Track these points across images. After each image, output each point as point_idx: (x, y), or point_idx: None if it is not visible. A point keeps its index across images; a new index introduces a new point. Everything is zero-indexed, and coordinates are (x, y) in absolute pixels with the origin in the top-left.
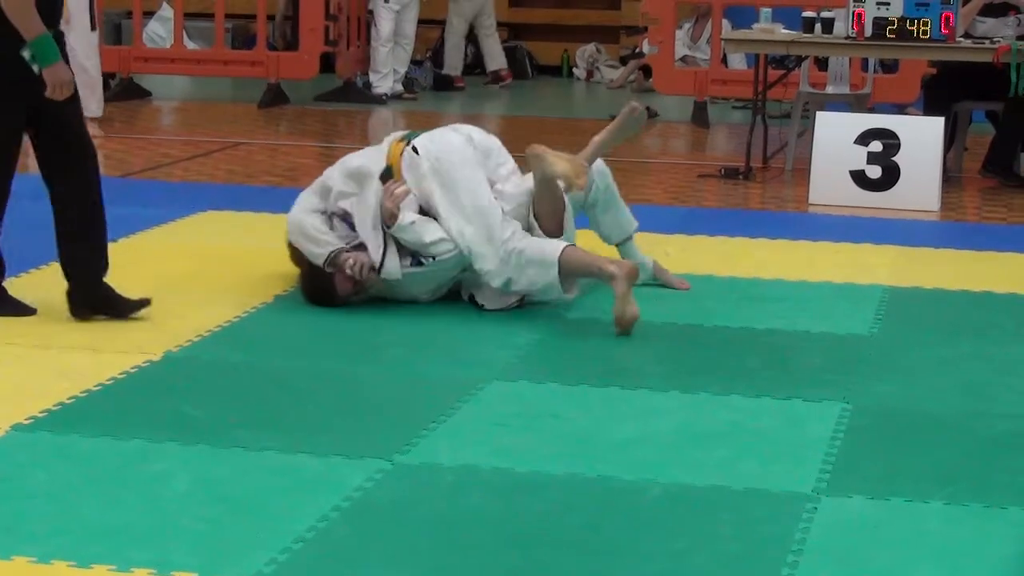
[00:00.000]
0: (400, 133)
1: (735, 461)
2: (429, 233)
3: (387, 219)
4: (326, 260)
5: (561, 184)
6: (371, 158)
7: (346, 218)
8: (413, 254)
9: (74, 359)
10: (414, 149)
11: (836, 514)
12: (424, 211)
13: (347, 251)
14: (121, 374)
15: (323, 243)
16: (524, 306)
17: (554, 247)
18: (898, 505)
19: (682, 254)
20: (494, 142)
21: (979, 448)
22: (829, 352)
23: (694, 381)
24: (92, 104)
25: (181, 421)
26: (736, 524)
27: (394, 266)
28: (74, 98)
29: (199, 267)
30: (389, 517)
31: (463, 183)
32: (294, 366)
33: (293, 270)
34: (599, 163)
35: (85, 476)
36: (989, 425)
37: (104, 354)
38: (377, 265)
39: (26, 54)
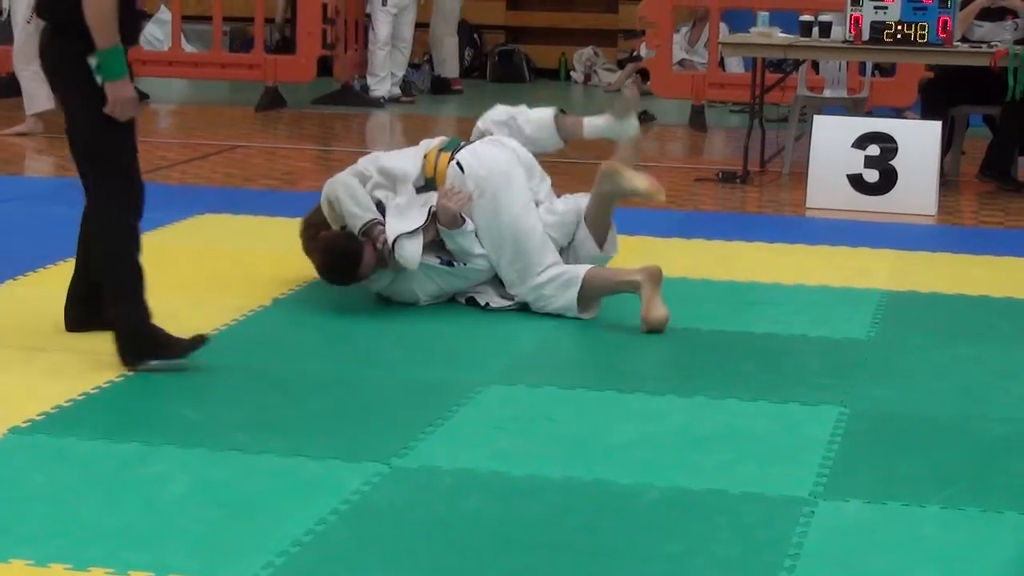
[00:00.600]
0: (437, 141)
1: (732, 465)
2: (479, 245)
3: (448, 222)
4: (364, 225)
5: (643, 196)
6: (406, 159)
7: (379, 207)
8: (442, 252)
9: (72, 362)
10: (459, 165)
11: (833, 518)
12: None
13: (382, 226)
14: (119, 377)
15: (367, 208)
16: (523, 307)
17: (578, 272)
18: (895, 509)
19: (679, 258)
20: (533, 157)
21: (976, 452)
22: (826, 356)
23: (691, 385)
24: (43, 97)
25: (179, 424)
26: (733, 528)
27: (413, 252)
28: (117, 121)
29: (196, 270)
30: (387, 520)
31: (507, 207)
32: (292, 369)
33: (291, 274)
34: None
35: (83, 479)
36: (986, 429)
37: (102, 357)
38: (391, 242)
39: (92, 62)
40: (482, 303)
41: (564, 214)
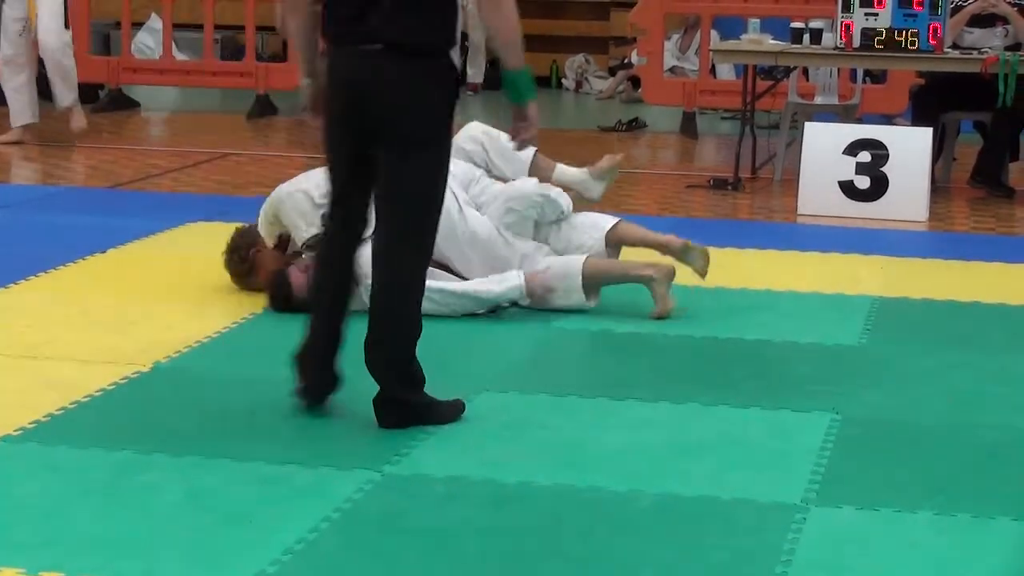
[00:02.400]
0: None
1: (724, 471)
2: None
3: None
4: (310, 239)
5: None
6: None
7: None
8: None
9: (63, 370)
10: None
11: (825, 524)
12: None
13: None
14: (110, 385)
15: (311, 223)
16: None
17: (576, 261)
18: (887, 515)
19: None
20: (467, 168)
21: (968, 458)
22: (818, 362)
23: (683, 392)
24: (67, 92)
25: (170, 432)
26: (725, 534)
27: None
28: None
29: (188, 278)
30: (379, 528)
31: (457, 236)
32: (283, 377)
33: None
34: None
35: (75, 487)
36: (978, 435)
37: (93, 365)
38: None
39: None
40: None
41: (518, 198)
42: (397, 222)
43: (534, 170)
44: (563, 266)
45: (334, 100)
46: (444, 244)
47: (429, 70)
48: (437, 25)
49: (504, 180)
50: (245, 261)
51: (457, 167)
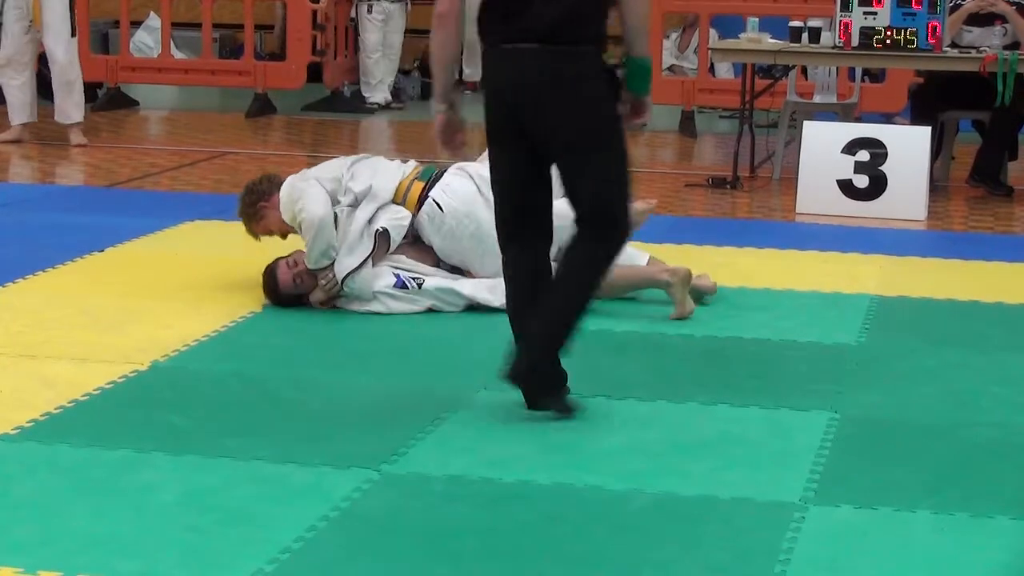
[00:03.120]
0: (411, 168)
1: (722, 470)
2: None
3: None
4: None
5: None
6: (385, 177)
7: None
8: (398, 267)
9: (61, 369)
10: (437, 204)
11: (824, 523)
12: (443, 262)
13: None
14: (108, 384)
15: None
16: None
17: None
18: (885, 514)
19: (670, 264)
20: None
21: (966, 457)
22: (816, 361)
23: (682, 390)
24: (73, 109)
25: (168, 431)
26: (723, 533)
27: (363, 286)
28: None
29: (186, 276)
30: (377, 527)
31: (484, 249)
32: (282, 375)
33: None
34: None
35: (72, 486)
36: (976, 434)
37: (91, 364)
38: (340, 280)
39: (620, 72)
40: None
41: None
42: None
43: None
44: None
45: (498, 106)
46: (471, 252)
47: (593, 64)
48: (594, 18)
49: None
50: (252, 207)
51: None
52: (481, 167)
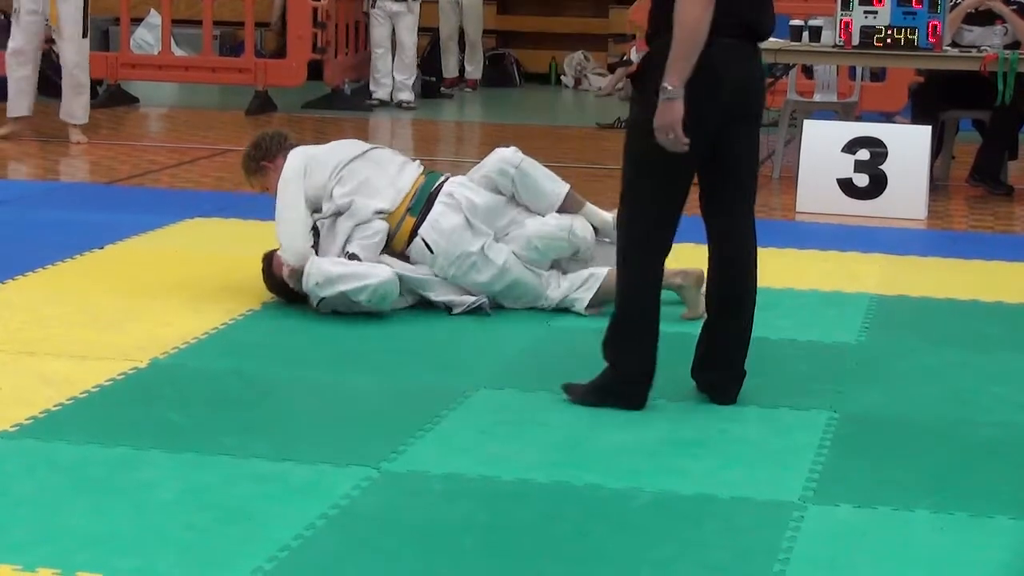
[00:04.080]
0: (410, 179)
1: (722, 469)
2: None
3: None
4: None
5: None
6: (366, 193)
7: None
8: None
9: (60, 366)
10: (425, 244)
11: (823, 522)
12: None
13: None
14: (108, 381)
15: (297, 236)
16: (494, 309)
17: (602, 269)
18: (885, 513)
19: (670, 263)
20: (493, 200)
21: (966, 456)
22: (816, 360)
23: (681, 389)
24: (79, 110)
25: (167, 428)
26: (723, 532)
27: (337, 303)
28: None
29: (186, 274)
30: (376, 525)
31: (482, 280)
32: (281, 373)
33: None
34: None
35: (71, 484)
36: (976, 433)
37: (90, 361)
38: (315, 304)
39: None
40: (448, 308)
41: (548, 237)
42: (749, 202)
43: (564, 206)
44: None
45: (717, 98)
46: (467, 281)
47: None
48: None
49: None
50: (255, 162)
51: (480, 198)
52: (472, 192)
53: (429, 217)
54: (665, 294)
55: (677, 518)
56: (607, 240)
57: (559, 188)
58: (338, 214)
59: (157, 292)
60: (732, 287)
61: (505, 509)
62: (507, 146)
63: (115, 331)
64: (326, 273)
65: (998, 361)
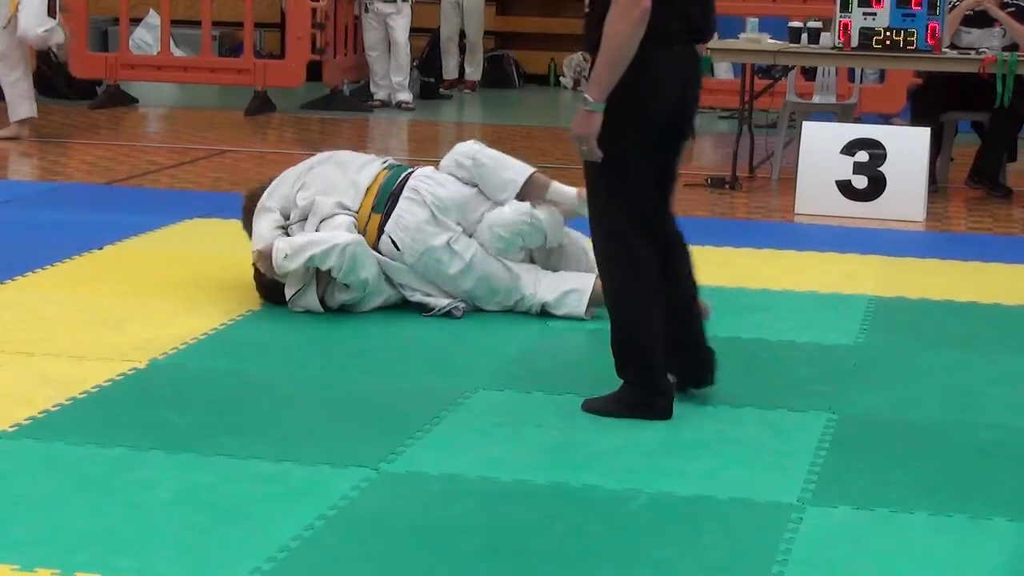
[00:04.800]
0: (372, 175)
1: (720, 470)
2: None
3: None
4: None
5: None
6: (329, 191)
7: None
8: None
9: (59, 366)
10: (392, 242)
11: (821, 524)
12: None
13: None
14: (106, 381)
15: (263, 235)
16: (469, 308)
17: (588, 275)
18: (883, 515)
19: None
20: (460, 191)
21: (964, 458)
22: (814, 362)
23: (679, 390)
24: (26, 106)
25: (166, 429)
26: (721, 533)
27: (310, 301)
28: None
29: (185, 274)
30: (375, 526)
31: (451, 274)
32: (280, 374)
33: None
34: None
35: (70, 484)
36: (974, 435)
37: (89, 361)
38: (288, 297)
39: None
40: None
41: (502, 225)
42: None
43: (527, 191)
44: (577, 286)
45: (666, 102)
46: (438, 276)
47: None
48: None
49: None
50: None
51: (447, 191)
52: (438, 185)
53: (394, 214)
54: None
55: (675, 519)
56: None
57: (518, 175)
58: (304, 218)
59: (156, 292)
60: (677, 273)
61: (504, 510)
62: (512, 151)
63: (114, 331)
64: (292, 244)
65: (996, 363)
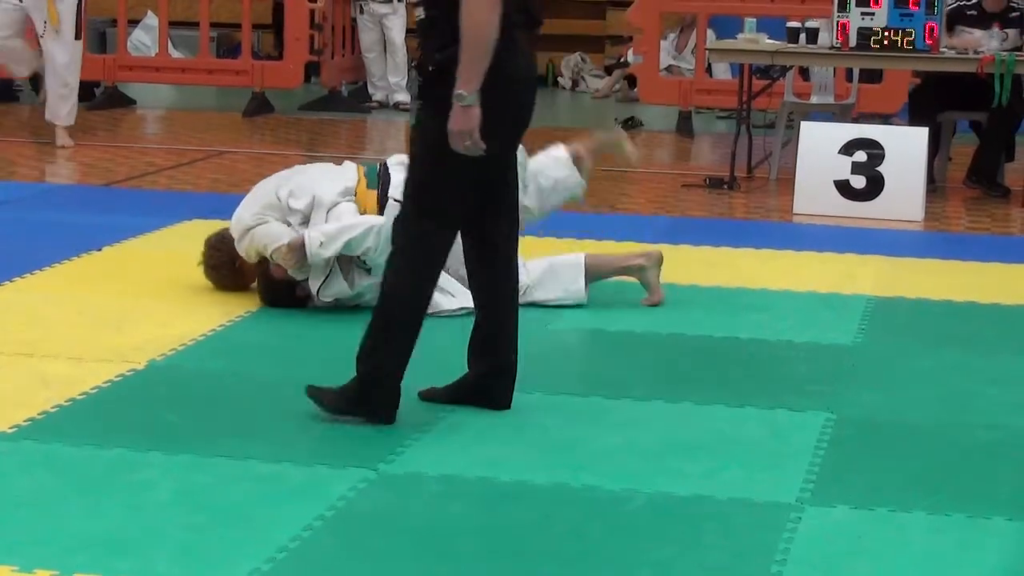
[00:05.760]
0: (353, 171)
1: (719, 471)
2: (345, 236)
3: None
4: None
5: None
6: (327, 184)
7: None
8: (359, 264)
9: (58, 368)
10: (398, 202)
11: (820, 524)
12: None
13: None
14: (105, 383)
15: (281, 235)
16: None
17: (577, 256)
18: (882, 515)
19: (666, 264)
20: None
21: (962, 458)
22: (813, 362)
23: (678, 391)
24: (64, 112)
25: (165, 430)
26: (720, 533)
27: (340, 288)
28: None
29: (183, 276)
30: (373, 526)
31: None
32: (278, 375)
33: None
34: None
35: (69, 485)
36: (972, 435)
37: (88, 363)
38: (315, 291)
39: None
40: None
41: None
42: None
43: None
44: (566, 262)
45: (519, 101)
46: None
47: None
48: None
49: None
50: (228, 266)
51: None
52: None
53: (392, 182)
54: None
55: (674, 519)
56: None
57: None
58: (305, 222)
59: (155, 294)
60: (495, 278)
61: (503, 510)
62: None
63: (113, 332)
64: (325, 231)
65: (995, 363)
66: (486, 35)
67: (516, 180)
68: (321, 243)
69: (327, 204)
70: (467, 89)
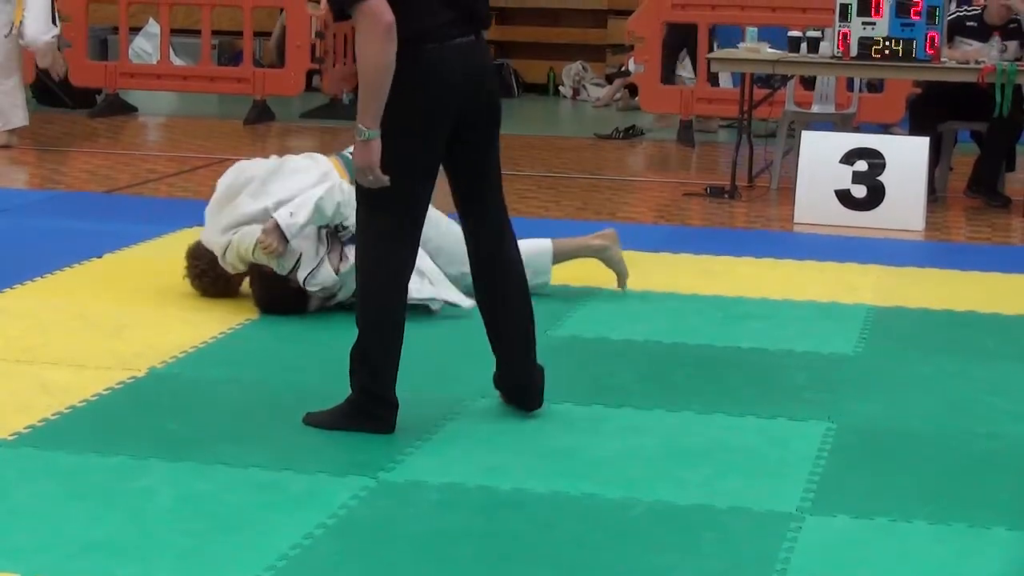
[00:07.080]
0: (329, 161)
1: (719, 479)
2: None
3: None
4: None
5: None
6: (295, 178)
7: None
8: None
9: (59, 375)
10: None
11: (820, 533)
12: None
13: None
14: (106, 390)
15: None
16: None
17: (545, 242)
18: (882, 524)
19: (667, 273)
20: None
21: (963, 467)
22: (813, 371)
23: (678, 399)
24: (20, 114)
25: (165, 437)
26: (720, 542)
27: (326, 275)
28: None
29: (184, 283)
30: (374, 534)
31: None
32: (279, 382)
33: None
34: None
35: (69, 492)
36: (973, 444)
37: (89, 370)
38: (302, 279)
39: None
40: (434, 307)
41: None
42: (502, 205)
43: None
44: (533, 245)
45: (445, 99)
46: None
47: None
48: None
49: None
50: (208, 275)
51: None
52: None
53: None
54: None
55: (674, 528)
56: None
57: None
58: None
59: (155, 301)
60: (496, 282)
61: (503, 518)
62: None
63: (114, 340)
64: (292, 203)
65: (995, 372)
66: (380, 75)
67: (497, 175)
68: (291, 212)
69: (307, 186)
70: (365, 124)
